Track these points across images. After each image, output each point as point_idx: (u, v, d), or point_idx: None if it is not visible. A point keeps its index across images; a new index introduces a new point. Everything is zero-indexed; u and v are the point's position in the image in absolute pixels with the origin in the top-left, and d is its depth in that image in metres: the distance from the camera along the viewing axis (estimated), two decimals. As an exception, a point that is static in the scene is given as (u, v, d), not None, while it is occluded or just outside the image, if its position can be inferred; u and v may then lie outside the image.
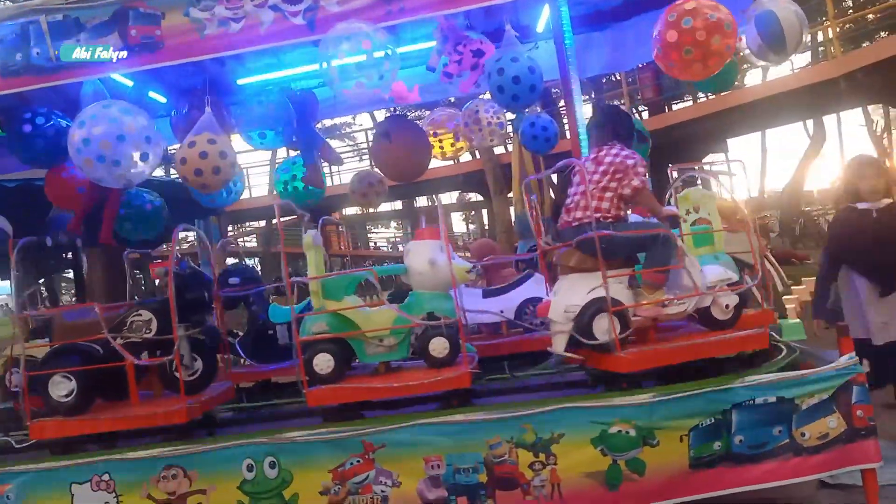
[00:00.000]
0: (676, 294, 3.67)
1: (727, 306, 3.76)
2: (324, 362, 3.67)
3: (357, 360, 3.97)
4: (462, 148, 6.86)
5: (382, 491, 3.40)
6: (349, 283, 3.93)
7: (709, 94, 15.34)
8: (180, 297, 3.62)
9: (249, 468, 3.46)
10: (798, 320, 5.09)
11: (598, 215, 3.61)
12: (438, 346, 3.70)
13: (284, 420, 4.10)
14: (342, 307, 3.76)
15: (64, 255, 4.76)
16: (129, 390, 3.90)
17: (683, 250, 3.68)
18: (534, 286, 5.02)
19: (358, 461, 3.41)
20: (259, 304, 4.87)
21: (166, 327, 3.71)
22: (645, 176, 3.76)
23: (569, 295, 3.64)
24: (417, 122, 6.71)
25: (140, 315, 3.80)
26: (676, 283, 3.72)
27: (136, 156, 3.91)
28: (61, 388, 3.68)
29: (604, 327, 3.49)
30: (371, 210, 7.32)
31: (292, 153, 6.81)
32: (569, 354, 3.67)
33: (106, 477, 3.52)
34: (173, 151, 5.05)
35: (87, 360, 3.73)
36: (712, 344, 3.63)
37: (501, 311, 4.86)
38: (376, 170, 6.83)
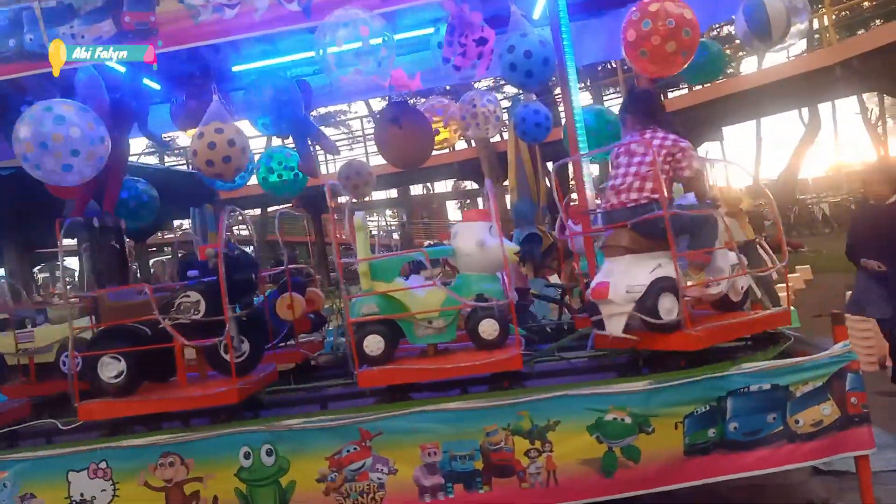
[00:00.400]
0: (714, 276, 3.74)
1: (741, 288, 3.90)
2: (374, 343, 3.63)
3: (400, 344, 3.91)
4: (457, 136, 6.83)
5: (379, 478, 3.41)
6: (398, 265, 3.92)
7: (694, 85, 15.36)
8: (228, 279, 3.58)
9: (246, 456, 3.47)
10: (792, 308, 5.10)
11: (656, 196, 3.60)
12: (489, 328, 3.65)
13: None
14: (392, 288, 3.74)
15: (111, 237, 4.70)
16: (173, 372, 3.89)
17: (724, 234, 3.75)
18: None
19: (355, 448, 3.42)
20: None
21: (213, 309, 3.68)
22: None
23: (628, 276, 3.56)
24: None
25: (188, 296, 3.76)
26: (714, 265, 3.78)
27: (57, 165, 3.79)
28: (111, 369, 3.66)
29: (667, 307, 3.46)
30: (366, 198, 7.27)
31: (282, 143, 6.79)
32: (627, 336, 3.57)
33: (103, 465, 3.52)
34: (168, 139, 5.02)
35: (135, 341, 3.70)
36: (756, 321, 3.80)
37: None
38: (363, 160, 6.82)
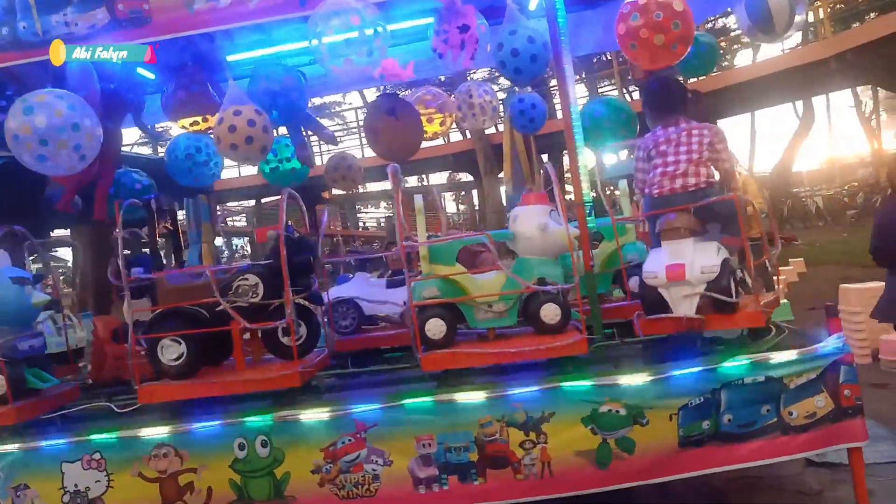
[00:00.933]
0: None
1: None
2: (436, 327, 3.62)
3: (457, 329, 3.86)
4: (448, 127, 6.79)
5: (374, 469, 3.41)
6: (457, 249, 3.90)
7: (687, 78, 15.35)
8: (289, 261, 3.55)
9: (241, 447, 3.46)
10: (786, 301, 5.12)
11: (712, 181, 3.74)
12: (550, 313, 3.63)
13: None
14: (452, 272, 3.71)
15: (167, 219, 4.63)
16: (226, 356, 3.90)
17: None
18: None
19: (350, 440, 3.42)
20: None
21: (271, 292, 3.65)
22: None
23: (701, 256, 3.57)
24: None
25: (246, 279, 3.71)
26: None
27: (32, 156, 3.80)
28: (171, 351, 3.64)
29: (732, 287, 3.54)
30: (361, 190, 7.24)
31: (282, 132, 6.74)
32: (697, 316, 3.55)
33: (97, 456, 3.51)
34: (161, 129, 5.00)
35: (194, 324, 3.68)
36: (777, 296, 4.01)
37: (404, 303, 4.75)
38: (350, 153, 6.80)
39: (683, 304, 3.57)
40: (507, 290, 3.70)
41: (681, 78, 5.39)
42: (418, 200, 3.76)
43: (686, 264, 3.53)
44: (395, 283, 4.95)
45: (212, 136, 4.70)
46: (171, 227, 4.58)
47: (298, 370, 3.57)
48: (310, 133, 6.02)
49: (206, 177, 5.93)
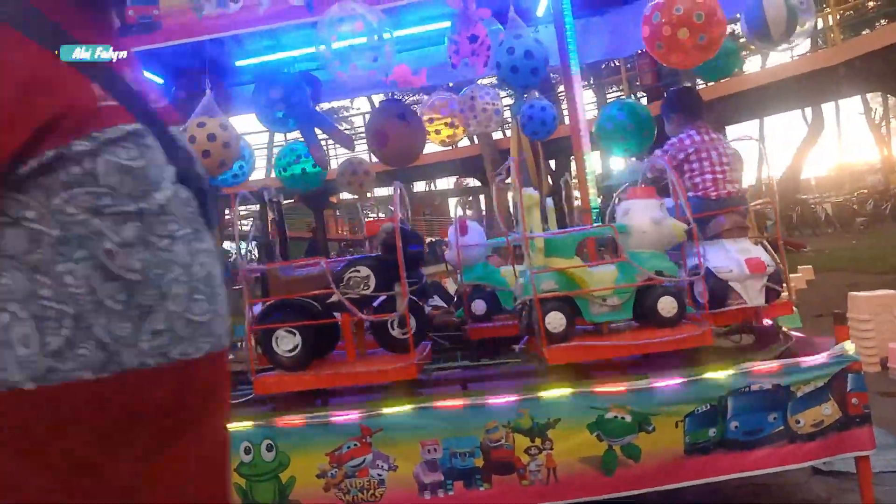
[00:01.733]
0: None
1: None
2: (556, 320, 3.58)
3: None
4: (458, 134, 6.78)
5: (379, 475, 3.41)
6: (575, 242, 3.90)
7: (707, 82, 15.28)
8: (403, 253, 3.53)
9: (247, 451, 3.47)
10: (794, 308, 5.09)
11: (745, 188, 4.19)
12: (668, 305, 3.60)
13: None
14: (569, 265, 3.70)
15: (275, 211, 4.64)
16: (331, 348, 3.95)
17: None
18: None
19: (355, 445, 3.42)
20: None
21: (382, 284, 3.65)
22: None
23: (759, 251, 3.85)
24: (415, 106, 6.63)
25: (358, 271, 3.69)
26: None
27: None
28: (287, 342, 3.64)
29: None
30: (368, 195, 7.23)
31: (290, 137, 6.76)
32: (766, 305, 3.86)
33: (102, 458, 3.51)
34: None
35: (308, 315, 3.69)
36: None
37: None
38: (363, 157, 6.79)
39: (761, 295, 3.80)
40: (621, 283, 3.67)
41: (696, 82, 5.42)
42: (532, 194, 3.76)
43: (760, 258, 3.77)
44: None
45: None
46: (277, 219, 4.58)
47: (415, 362, 3.55)
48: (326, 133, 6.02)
49: (227, 181, 5.96)
